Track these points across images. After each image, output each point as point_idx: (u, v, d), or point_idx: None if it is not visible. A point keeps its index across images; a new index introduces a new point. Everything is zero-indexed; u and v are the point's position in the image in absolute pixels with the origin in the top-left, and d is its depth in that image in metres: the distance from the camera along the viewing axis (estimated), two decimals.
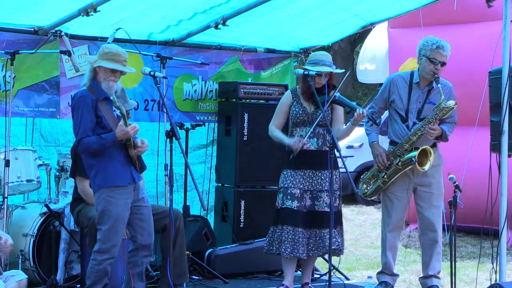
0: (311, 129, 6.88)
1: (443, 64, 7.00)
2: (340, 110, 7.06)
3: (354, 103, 6.90)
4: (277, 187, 7.11)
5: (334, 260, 7.38)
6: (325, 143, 6.96)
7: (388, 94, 7.17)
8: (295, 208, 6.89)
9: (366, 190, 7.26)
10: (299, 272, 7.45)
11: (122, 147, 6.06)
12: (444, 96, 6.94)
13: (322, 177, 6.95)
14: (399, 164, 7.02)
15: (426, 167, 6.95)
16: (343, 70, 7.11)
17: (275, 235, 6.96)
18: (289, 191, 6.93)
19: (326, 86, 6.80)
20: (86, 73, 6.16)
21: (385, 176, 7.09)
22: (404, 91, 7.10)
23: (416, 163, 6.92)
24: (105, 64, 6.03)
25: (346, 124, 7.01)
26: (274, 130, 7.11)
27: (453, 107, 6.95)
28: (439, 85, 6.94)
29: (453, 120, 7.13)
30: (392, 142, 7.18)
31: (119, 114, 5.96)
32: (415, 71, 7.13)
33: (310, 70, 6.88)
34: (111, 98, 5.93)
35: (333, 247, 6.90)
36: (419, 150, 6.93)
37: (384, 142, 7.34)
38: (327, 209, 6.89)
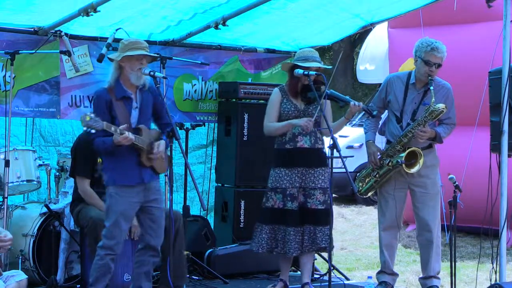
0: (315, 116, 6.84)
1: (438, 65, 6.98)
2: (328, 106, 7.04)
3: (347, 97, 6.92)
4: None
5: (335, 260, 7.38)
6: (317, 140, 6.97)
7: (385, 94, 7.19)
8: (295, 209, 6.91)
9: (361, 188, 7.29)
10: (299, 272, 7.45)
11: (134, 149, 6.11)
12: (439, 98, 6.92)
13: (315, 175, 6.96)
14: (390, 164, 7.04)
15: (414, 169, 6.97)
16: (330, 67, 7.15)
17: (262, 234, 6.97)
18: (288, 192, 6.93)
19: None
20: (110, 71, 6.20)
21: (377, 175, 7.13)
22: (400, 92, 7.11)
23: (404, 165, 6.93)
24: (130, 53, 6.09)
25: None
26: (271, 123, 7.05)
27: (442, 110, 6.91)
28: (431, 88, 6.91)
29: (451, 122, 7.11)
30: (388, 142, 7.21)
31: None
32: (413, 72, 7.12)
33: (301, 67, 6.86)
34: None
35: (322, 246, 6.91)
36: (406, 152, 6.94)
37: (383, 142, 7.35)
38: (320, 207, 6.91)
